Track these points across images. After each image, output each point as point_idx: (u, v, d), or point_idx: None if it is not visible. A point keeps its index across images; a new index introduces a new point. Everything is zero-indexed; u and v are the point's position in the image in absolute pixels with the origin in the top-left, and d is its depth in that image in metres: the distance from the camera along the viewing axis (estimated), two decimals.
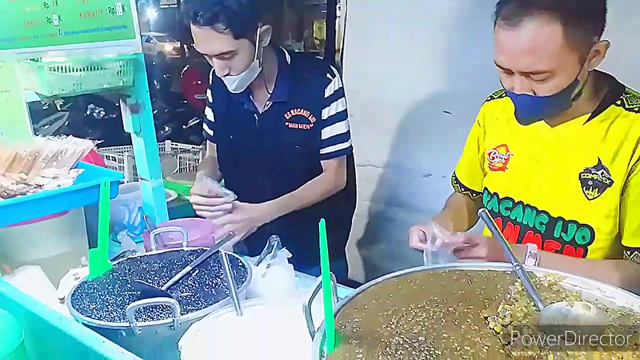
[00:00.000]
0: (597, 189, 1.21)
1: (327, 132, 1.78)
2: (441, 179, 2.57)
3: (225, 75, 1.64)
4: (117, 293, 1.12)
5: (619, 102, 1.21)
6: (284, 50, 1.81)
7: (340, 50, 2.82)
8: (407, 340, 0.79)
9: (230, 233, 1.46)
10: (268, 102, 1.77)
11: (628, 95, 1.21)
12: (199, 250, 1.30)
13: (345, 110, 1.80)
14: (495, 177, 1.40)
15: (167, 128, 3.61)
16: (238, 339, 0.95)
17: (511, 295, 0.90)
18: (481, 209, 1.10)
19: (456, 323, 0.84)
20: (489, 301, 0.89)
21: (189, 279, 1.17)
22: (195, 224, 1.52)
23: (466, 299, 0.90)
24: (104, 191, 1.19)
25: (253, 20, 1.59)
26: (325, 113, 1.75)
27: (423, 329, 0.82)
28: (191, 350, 0.92)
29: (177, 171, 2.74)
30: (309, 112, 1.76)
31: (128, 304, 0.98)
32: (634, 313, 0.86)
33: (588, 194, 1.22)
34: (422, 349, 0.77)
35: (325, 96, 1.74)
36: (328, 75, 1.74)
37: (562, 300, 0.86)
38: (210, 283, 1.14)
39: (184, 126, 3.71)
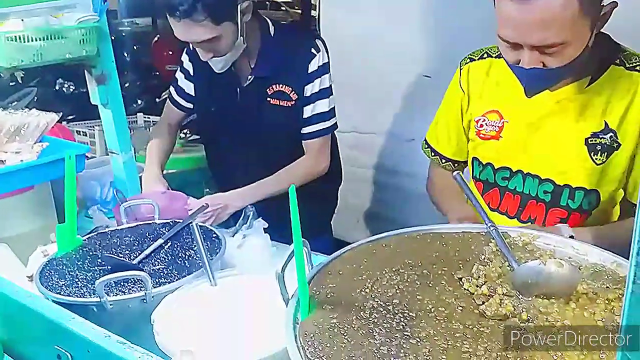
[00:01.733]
0: (605, 154, 1.16)
1: (308, 110, 1.68)
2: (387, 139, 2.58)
3: (210, 59, 1.56)
4: (87, 269, 1.09)
5: (618, 62, 1.16)
6: (267, 20, 1.69)
7: (317, 10, 2.74)
8: (382, 303, 0.79)
9: (204, 205, 1.43)
10: (250, 77, 1.68)
11: (626, 54, 1.17)
12: (171, 223, 1.28)
13: (330, 86, 1.69)
14: (487, 146, 1.31)
15: (139, 101, 3.51)
16: (212, 310, 0.94)
17: (485, 256, 0.90)
18: (455, 172, 1.07)
19: (430, 285, 0.84)
20: (463, 262, 0.89)
21: (162, 251, 1.15)
22: (168, 196, 1.49)
23: (440, 261, 0.90)
24: (69, 164, 1.15)
25: (232, 1, 1.50)
26: (308, 90, 1.65)
27: (397, 292, 0.82)
28: (164, 322, 0.90)
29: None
30: (290, 88, 1.66)
31: (99, 279, 0.96)
32: (606, 269, 0.87)
33: (596, 159, 1.17)
34: (397, 312, 0.77)
35: (308, 71, 1.64)
36: (312, 50, 1.63)
37: (535, 259, 0.86)
38: (184, 255, 1.12)
39: (157, 99, 3.61)
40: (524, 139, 1.25)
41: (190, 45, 1.76)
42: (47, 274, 1.09)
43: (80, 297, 0.99)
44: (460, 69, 1.38)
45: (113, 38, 1.71)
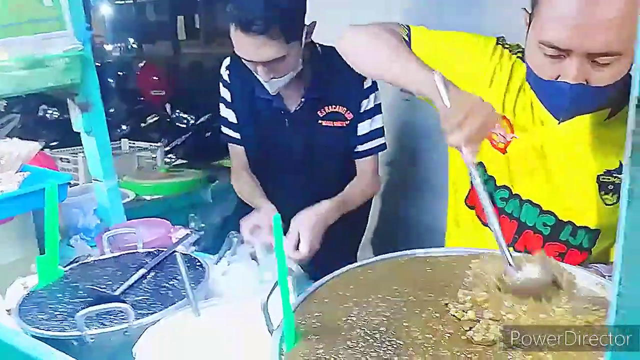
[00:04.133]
0: (617, 195, 1.06)
1: (365, 127, 1.64)
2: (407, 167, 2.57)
3: (269, 80, 1.51)
4: (67, 301, 1.07)
5: None
6: (313, 41, 1.63)
7: None
8: (369, 332, 0.77)
9: (189, 232, 1.41)
10: (302, 99, 1.62)
11: None
12: (155, 252, 1.26)
13: (380, 103, 1.65)
14: (495, 157, 1.16)
15: (124, 127, 3.50)
16: (196, 341, 0.92)
17: (470, 280, 0.90)
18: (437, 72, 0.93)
19: (417, 311, 0.83)
20: (449, 287, 0.89)
21: (144, 281, 1.13)
22: (151, 224, 1.47)
23: (427, 286, 0.89)
24: (50, 195, 1.13)
25: (302, 19, 1.48)
26: (364, 106, 1.62)
27: (384, 319, 0.81)
28: (146, 355, 0.88)
29: (135, 170, 2.66)
30: (345, 108, 1.62)
31: (79, 312, 0.94)
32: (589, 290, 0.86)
33: (606, 199, 1.07)
34: (384, 340, 0.76)
35: (364, 87, 1.61)
36: None
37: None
38: (167, 285, 1.10)
39: (142, 124, 3.60)
40: (530, 162, 1.13)
41: (225, 76, 1.71)
42: (26, 307, 1.06)
43: (61, 331, 0.96)
44: (496, 45, 1.14)
45: (98, 64, 1.70)
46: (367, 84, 1.62)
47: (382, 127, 1.69)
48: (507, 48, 1.15)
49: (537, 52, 0.95)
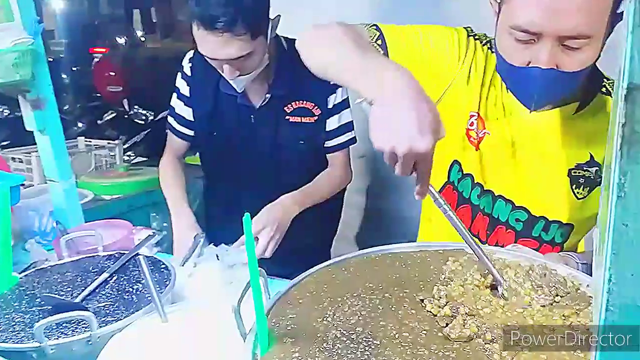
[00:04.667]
0: (588, 188, 1.07)
1: (334, 122, 1.63)
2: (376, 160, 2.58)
3: (235, 77, 1.46)
4: (24, 310, 1.01)
5: (604, 90, 1.07)
6: (278, 35, 1.59)
7: None
8: (345, 332, 0.75)
9: (152, 233, 1.36)
10: (267, 96, 1.59)
11: (611, 82, 1.08)
12: (116, 255, 1.20)
13: (348, 97, 1.63)
14: (470, 154, 1.15)
15: (80, 124, 3.39)
16: (164, 348, 0.88)
17: (445, 275, 0.89)
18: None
19: (393, 309, 0.81)
20: (424, 283, 0.88)
21: (107, 287, 1.08)
22: (112, 225, 1.41)
23: (401, 283, 0.87)
24: (2, 197, 1.07)
25: (267, 13, 1.43)
26: (331, 101, 1.60)
27: (360, 318, 0.79)
28: None
29: (92, 169, 2.57)
30: (313, 103, 1.60)
31: (39, 321, 0.88)
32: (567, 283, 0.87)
33: (578, 192, 1.08)
34: (361, 340, 0.74)
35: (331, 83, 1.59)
36: None
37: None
38: (131, 290, 1.06)
39: (98, 121, 3.49)
40: (502, 158, 1.13)
41: (186, 69, 1.67)
42: None
43: (18, 342, 0.91)
44: (468, 37, 1.13)
45: (51, 59, 1.62)
46: None
47: (352, 121, 1.67)
48: (477, 39, 1.15)
49: (508, 38, 0.95)
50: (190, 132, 1.72)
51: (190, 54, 1.67)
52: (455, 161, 1.18)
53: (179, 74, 1.71)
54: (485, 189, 1.16)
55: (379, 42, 1.09)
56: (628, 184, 0.36)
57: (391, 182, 2.52)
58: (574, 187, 1.09)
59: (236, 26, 1.34)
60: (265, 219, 1.42)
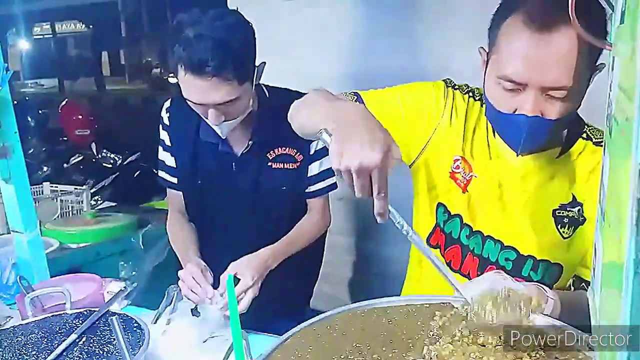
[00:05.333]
0: (572, 227, 1.12)
1: (315, 168, 1.62)
2: (355, 201, 2.57)
3: (220, 123, 1.43)
4: None
5: (585, 136, 1.13)
6: (261, 84, 1.59)
7: None
8: None
9: (123, 288, 1.30)
10: (249, 143, 1.57)
11: (591, 129, 1.14)
12: (85, 312, 1.14)
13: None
14: (459, 196, 1.19)
15: (45, 168, 3.29)
16: None
17: (434, 332, 0.87)
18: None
19: None
20: (412, 341, 0.85)
21: (76, 349, 1.01)
22: (80, 279, 1.35)
23: (389, 342, 0.84)
24: None
25: (253, 59, 1.42)
26: (314, 146, 1.60)
27: None
28: None
29: (58, 216, 2.48)
30: (295, 149, 1.59)
31: None
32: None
33: (563, 232, 1.12)
34: None
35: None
36: None
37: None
38: (101, 352, 1.00)
39: (65, 165, 3.40)
40: (490, 199, 1.17)
41: (165, 119, 1.65)
42: None
43: None
44: (446, 88, 1.20)
45: (15, 102, 1.57)
46: None
47: (330, 168, 1.64)
48: (457, 89, 1.21)
49: (496, 87, 1.02)
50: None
51: (167, 103, 1.66)
52: (440, 203, 1.22)
53: (160, 126, 1.69)
54: (474, 229, 1.19)
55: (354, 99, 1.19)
56: None
57: (372, 222, 2.51)
58: (559, 226, 1.13)
59: (225, 70, 1.32)
60: (243, 268, 1.38)
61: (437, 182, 1.22)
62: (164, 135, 1.67)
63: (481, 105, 1.17)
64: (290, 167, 1.60)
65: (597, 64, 1.00)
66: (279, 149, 1.59)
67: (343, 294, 2.68)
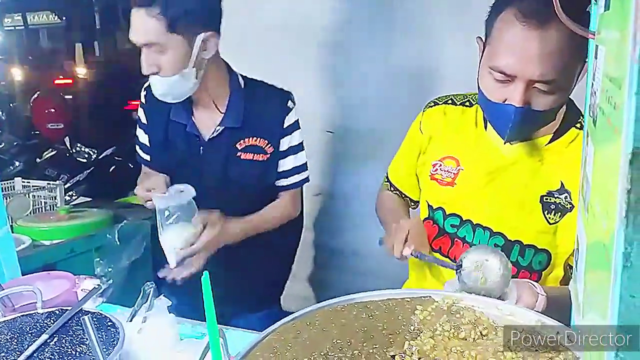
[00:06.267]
0: (559, 213, 1.14)
1: (288, 163, 1.63)
2: (332, 197, 2.57)
3: (152, 74, 1.45)
4: None
5: (578, 126, 1.16)
6: (238, 74, 1.62)
7: None
8: None
9: (97, 286, 1.26)
10: (218, 128, 1.57)
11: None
12: (57, 312, 1.10)
13: (302, 142, 1.66)
14: (442, 191, 1.29)
15: (17, 163, 3.20)
16: None
17: (415, 327, 0.86)
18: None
19: None
20: (394, 336, 0.84)
21: (47, 350, 0.97)
22: (53, 277, 1.31)
23: (370, 337, 0.83)
24: None
25: (192, 17, 1.41)
26: (285, 143, 1.61)
27: None
28: None
29: (30, 213, 2.41)
30: (265, 141, 1.58)
31: None
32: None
33: (550, 218, 1.15)
34: None
35: (284, 126, 1.59)
36: (289, 104, 1.60)
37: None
38: (74, 352, 0.96)
39: (37, 159, 3.32)
40: (478, 188, 1.22)
41: (142, 97, 1.68)
42: None
43: None
44: (423, 112, 1.37)
45: None
46: (289, 122, 1.61)
47: (306, 162, 1.67)
48: (432, 106, 1.36)
49: (488, 77, 1.07)
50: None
51: (147, 83, 1.64)
52: (426, 201, 1.34)
53: (139, 103, 1.72)
54: (464, 219, 1.24)
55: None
56: (635, 254, 0.34)
57: (347, 219, 2.51)
58: (545, 212, 1.16)
59: (152, 3, 1.36)
60: (204, 219, 1.45)
61: (424, 188, 1.36)
62: (140, 112, 1.69)
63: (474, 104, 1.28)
64: (260, 159, 1.60)
65: (586, 59, 1.00)
66: (249, 139, 1.58)
67: (315, 291, 2.68)
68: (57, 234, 2.20)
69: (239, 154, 1.58)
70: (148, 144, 1.69)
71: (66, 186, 2.74)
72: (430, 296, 0.94)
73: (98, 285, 1.27)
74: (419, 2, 2.20)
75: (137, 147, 1.75)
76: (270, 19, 2.45)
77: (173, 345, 1.09)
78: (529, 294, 1.01)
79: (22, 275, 1.47)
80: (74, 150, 3.20)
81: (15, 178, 2.64)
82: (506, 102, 1.05)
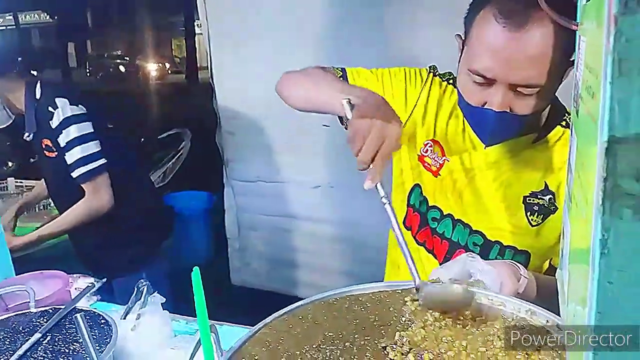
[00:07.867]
0: (542, 215, 1.09)
1: (76, 153, 1.89)
2: (330, 189, 2.59)
3: None
4: None
5: (563, 124, 1.10)
6: (39, 81, 1.94)
7: (210, 69, 2.67)
8: None
9: (90, 284, 1.27)
10: (28, 132, 1.95)
11: (570, 117, 1.07)
12: (50, 311, 1.10)
13: (89, 133, 1.89)
14: (426, 179, 1.21)
15: (10, 163, 3.19)
16: None
17: (406, 318, 0.86)
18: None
19: (355, 359, 0.77)
20: (385, 327, 0.84)
21: (40, 349, 0.98)
22: (46, 276, 1.31)
23: (362, 329, 0.84)
24: None
25: None
26: (62, 140, 1.88)
27: None
28: None
29: (24, 213, 2.40)
30: (50, 140, 1.91)
31: None
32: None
33: (532, 219, 1.09)
34: None
35: (52, 127, 1.87)
36: (49, 109, 1.86)
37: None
38: (67, 351, 0.96)
39: (31, 159, 3.30)
40: (460, 184, 1.17)
41: None
42: None
43: None
44: (432, 75, 1.22)
45: None
46: (55, 123, 1.86)
47: (93, 153, 1.91)
48: (437, 76, 1.23)
49: (466, 79, 1.01)
50: None
51: None
52: (417, 185, 1.23)
53: None
54: (445, 213, 1.19)
55: (341, 77, 1.22)
56: (611, 241, 0.34)
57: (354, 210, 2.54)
58: (528, 214, 1.11)
59: None
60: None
61: (408, 164, 1.24)
62: None
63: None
64: (52, 156, 1.93)
65: (572, 59, 0.95)
66: (45, 139, 1.92)
67: (332, 282, 2.70)
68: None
69: (45, 152, 1.95)
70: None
71: None
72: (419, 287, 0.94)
73: (91, 283, 1.27)
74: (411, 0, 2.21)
75: None
76: (267, 19, 2.45)
77: (167, 342, 1.09)
78: (512, 282, 0.94)
79: (16, 274, 1.47)
80: None
81: (9, 178, 2.64)
82: (485, 107, 0.99)
